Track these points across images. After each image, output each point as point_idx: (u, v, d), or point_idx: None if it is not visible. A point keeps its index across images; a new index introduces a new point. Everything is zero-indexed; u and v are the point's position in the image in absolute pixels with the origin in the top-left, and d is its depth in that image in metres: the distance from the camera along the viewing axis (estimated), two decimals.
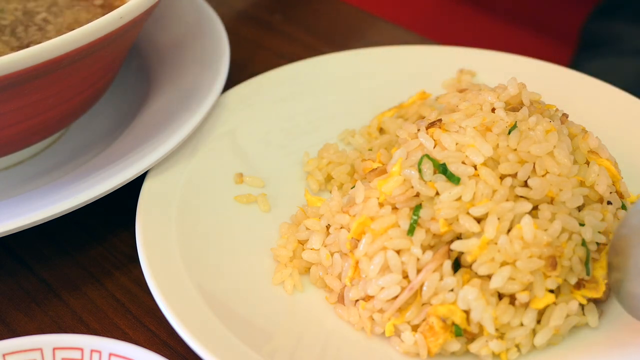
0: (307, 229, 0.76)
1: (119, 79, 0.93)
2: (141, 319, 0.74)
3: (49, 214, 0.72)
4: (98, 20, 0.69)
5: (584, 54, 1.37)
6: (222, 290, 0.71)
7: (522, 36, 1.52)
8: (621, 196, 0.73)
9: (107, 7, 0.84)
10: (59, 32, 0.81)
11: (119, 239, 0.82)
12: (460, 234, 0.68)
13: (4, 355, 0.62)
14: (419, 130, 0.74)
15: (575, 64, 1.33)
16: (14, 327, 0.74)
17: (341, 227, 0.73)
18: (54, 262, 0.80)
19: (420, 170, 0.69)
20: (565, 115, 0.76)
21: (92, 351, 0.62)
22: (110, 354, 0.62)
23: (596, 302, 0.70)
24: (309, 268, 0.75)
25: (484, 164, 0.69)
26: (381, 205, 0.70)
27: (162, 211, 0.76)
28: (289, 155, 0.87)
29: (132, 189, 0.80)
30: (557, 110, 0.76)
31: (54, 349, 0.62)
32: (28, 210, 0.72)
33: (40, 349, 0.62)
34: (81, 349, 0.62)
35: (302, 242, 0.77)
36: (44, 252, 0.81)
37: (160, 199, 0.77)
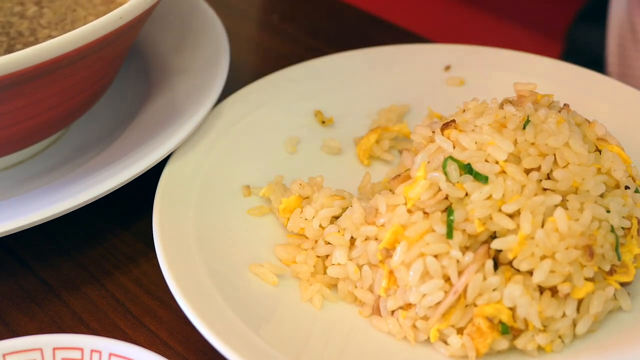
0: (328, 243, 0.75)
1: (119, 79, 0.93)
2: (141, 319, 0.74)
3: (49, 214, 0.72)
4: (98, 20, 0.69)
5: (568, 60, 1.37)
6: (251, 303, 0.71)
7: (524, 37, 1.52)
8: (634, 180, 0.74)
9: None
10: (56, 15, 0.82)
11: (119, 239, 0.82)
12: (494, 232, 0.68)
13: (4, 355, 0.62)
14: (434, 132, 0.74)
15: None
16: (14, 327, 0.74)
17: (366, 239, 0.73)
18: (54, 262, 0.80)
19: (446, 173, 0.69)
20: (566, 105, 0.77)
21: (92, 351, 0.62)
22: (110, 354, 0.62)
23: (623, 284, 0.70)
24: (333, 284, 0.74)
25: (507, 160, 0.69)
26: (410, 211, 0.70)
27: (179, 215, 0.76)
28: (293, 159, 0.87)
29: (133, 189, 0.80)
30: (553, 101, 0.77)
31: (54, 349, 0.62)
32: (28, 210, 0.72)
33: (40, 349, 0.62)
34: (81, 349, 0.62)
35: (321, 257, 0.75)
36: (44, 252, 0.81)
37: (176, 203, 0.77)
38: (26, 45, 0.78)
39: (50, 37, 0.80)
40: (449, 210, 0.68)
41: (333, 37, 1.13)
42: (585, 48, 1.34)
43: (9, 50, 0.77)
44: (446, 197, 0.69)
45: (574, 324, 0.68)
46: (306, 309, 0.72)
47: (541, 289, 0.67)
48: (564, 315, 0.67)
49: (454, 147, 0.71)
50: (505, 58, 0.94)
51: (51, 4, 0.85)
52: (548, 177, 0.69)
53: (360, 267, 0.73)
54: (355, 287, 0.73)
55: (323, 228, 0.76)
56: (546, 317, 0.67)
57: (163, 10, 0.98)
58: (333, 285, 0.74)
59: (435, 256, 0.68)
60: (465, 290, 0.67)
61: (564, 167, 0.69)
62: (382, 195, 0.73)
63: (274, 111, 0.90)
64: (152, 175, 0.79)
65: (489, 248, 0.67)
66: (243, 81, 0.92)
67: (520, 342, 0.67)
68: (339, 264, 0.73)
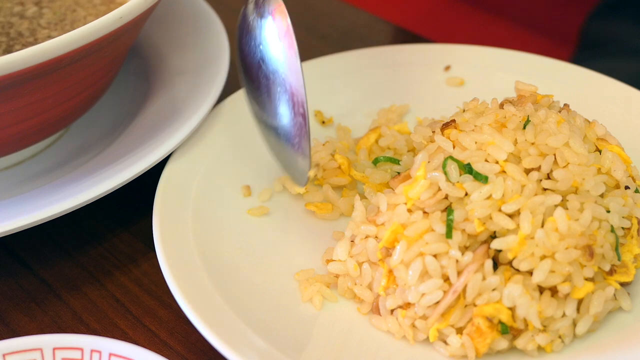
0: None
1: (119, 79, 0.93)
2: (141, 319, 0.75)
3: (49, 214, 0.72)
4: (98, 20, 0.69)
5: (583, 55, 1.37)
6: (255, 306, 0.71)
7: (523, 37, 1.52)
8: (634, 180, 0.74)
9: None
10: (56, 15, 0.82)
11: (119, 239, 0.82)
12: (494, 232, 0.68)
13: (4, 355, 0.62)
14: (434, 132, 0.74)
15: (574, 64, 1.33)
16: (14, 327, 0.74)
17: (366, 237, 0.73)
18: (54, 262, 0.80)
19: (445, 173, 0.69)
20: (566, 105, 0.77)
21: (92, 351, 0.62)
22: (110, 354, 0.62)
23: (623, 284, 0.70)
24: (332, 282, 0.74)
25: (507, 160, 0.69)
26: (410, 211, 0.70)
27: (179, 215, 0.76)
28: None
29: (132, 188, 0.80)
30: (553, 101, 0.77)
31: (54, 349, 0.62)
32: (28, 210, 0.73)
33: (40, 349, 0.62)
34: (81, 349, 0.62)
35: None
36: (44, 252, 0.81)
37: (176, 203, 0.77)
38: (25, 45, 0.78)
39: (49, 37, 0.80)
40: (448, 210, 0.68)
41: (333, 37, 1.13)
42: (606, 41, 1.33)
43: (8, 50, 0.78)
44: (446, 197, 0.69)
45: (574, 324, 0.68)
46: (306, 309, 0.72)
47: (541, 289, 0.67)
48: (564, 315, 0.67)
49: (454, 147, 0.71)
50: (505, 58, 0.94)
51: (51, 4, 0.85)
52: (548, 177, 0.70)
53: (360, 264, 0.73)
54: (355, 284, 0.73)
55: None
56: (546, 317, 0.67)
57: (163, 10, 0.98)
58: (333, 285, 0.74)
59: (435, 256, 0.68)
60: (464, 290, 0.67)
61: (564, 167, 0.69)
62: (383, 194, 0.73)
63: None
64: (152, 175, 0.79)
65: (489, 248, 0.67)
66: None
67: (520, 342, 0.67)
68: (339, 260, 0.74)
